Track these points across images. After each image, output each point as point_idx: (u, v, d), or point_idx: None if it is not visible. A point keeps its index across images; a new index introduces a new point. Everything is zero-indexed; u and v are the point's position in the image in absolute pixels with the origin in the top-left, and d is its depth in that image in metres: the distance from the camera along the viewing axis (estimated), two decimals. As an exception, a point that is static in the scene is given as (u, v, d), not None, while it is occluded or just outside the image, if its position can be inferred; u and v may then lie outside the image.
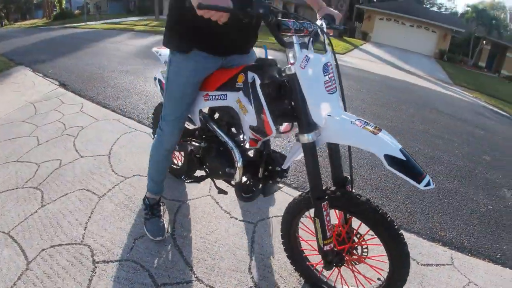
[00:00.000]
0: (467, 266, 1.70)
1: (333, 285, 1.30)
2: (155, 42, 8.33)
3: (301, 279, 1.39)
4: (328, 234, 1.09)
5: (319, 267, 1.30)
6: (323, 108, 0.98)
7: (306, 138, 1.01)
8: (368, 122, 0.98)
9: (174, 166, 2.00)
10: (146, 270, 1.35)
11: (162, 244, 1.50)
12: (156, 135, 1.44)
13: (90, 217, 1.61)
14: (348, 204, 1.08)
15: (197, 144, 1.52)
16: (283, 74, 1.03)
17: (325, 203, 1.06)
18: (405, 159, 0.88)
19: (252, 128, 1.12)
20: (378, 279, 1.21)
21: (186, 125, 1.53)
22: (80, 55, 5.89)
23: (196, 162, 1.50)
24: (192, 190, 1.91)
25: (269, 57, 1.14)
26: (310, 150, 1.03)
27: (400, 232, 1.05)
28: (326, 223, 1.07)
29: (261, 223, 1.72)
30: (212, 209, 1.77)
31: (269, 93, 1.05)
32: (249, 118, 1.11)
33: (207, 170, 1.46)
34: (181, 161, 2.00)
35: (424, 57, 18.86)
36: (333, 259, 1.14)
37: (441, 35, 21.73)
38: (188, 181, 1.52)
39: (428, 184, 0.87)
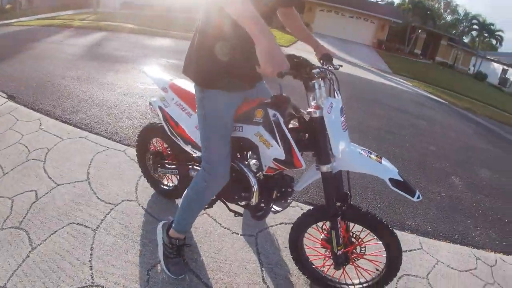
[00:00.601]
0: (434, 249, 2.02)
1: (337, 280, 1.51)
2: (99, 40, 7.75)
3: (308, 280, 1.57)
4: (340, 241, 1.30)
5: (324, 269, 1.51)
6: (340, 143, 1.17)
7: (325, 168, 1.20)
8: (371, 151, 1.20)
9: (165, 187, 1.99)
10: (169, 300, 1.37)
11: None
12: (198, 180, 1.36)
13: (91, 254, 1.54)
14: (354, 215, 1.31)
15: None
16: (308, 116, 1.19)
17: (339, 218, 1.27)
18: (402, 180, 1.14)
19: (278, 160, 1.22)
20: (377, 269, 1.45)
21: (192, 152, 1.56)
22: (22, 59, 5.26)
23: None
24: (189, 210, 1.92)
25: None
26: (327, 177, 1.22)
27: (393, 231, 1.29)
28: (340, 233, 1.28)
29: (260, 234, 1.83)
30: (213, 228, 1.83)
31: (290, 129, 1.20)
32: (274, 152, 1.21)
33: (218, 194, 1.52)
34: (172, 181, 2.00)
35: (364, 47, 20.28)
36: (342, 260, 1.36)
37: (380, 26, 23.46)
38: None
39: (418, 197, 1.14)
